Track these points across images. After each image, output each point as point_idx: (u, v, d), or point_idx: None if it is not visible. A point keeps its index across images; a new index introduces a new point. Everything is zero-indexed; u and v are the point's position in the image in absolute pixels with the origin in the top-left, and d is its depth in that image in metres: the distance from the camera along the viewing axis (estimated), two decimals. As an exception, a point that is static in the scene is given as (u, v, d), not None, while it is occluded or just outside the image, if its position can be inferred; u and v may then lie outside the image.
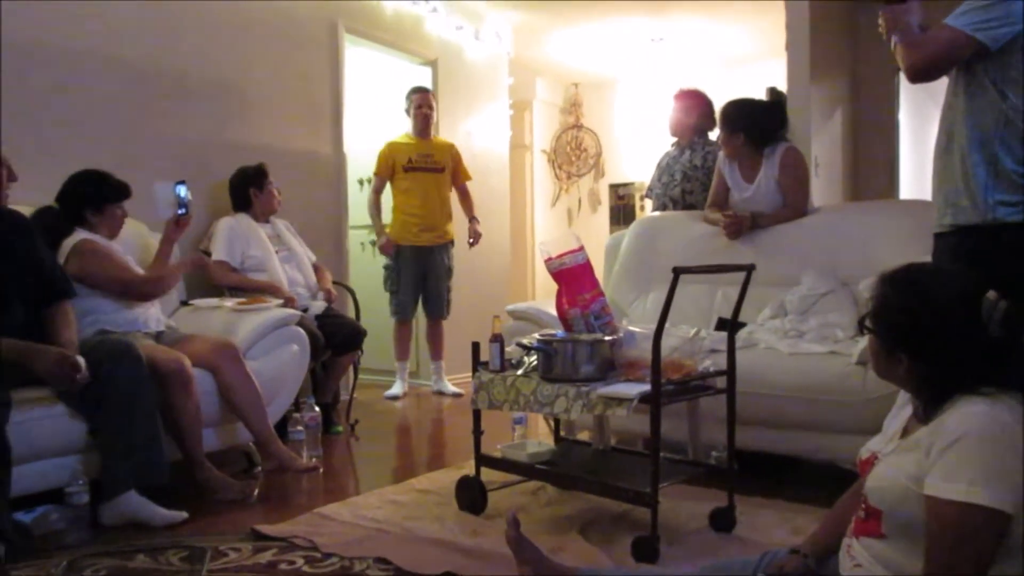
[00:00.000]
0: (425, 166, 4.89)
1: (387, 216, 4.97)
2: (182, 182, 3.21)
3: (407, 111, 4.94)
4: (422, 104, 4.87)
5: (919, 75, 2.11)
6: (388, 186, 4.93)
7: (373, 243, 5.58)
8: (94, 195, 2.99)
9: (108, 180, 3.03)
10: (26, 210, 2.75)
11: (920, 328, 1.36)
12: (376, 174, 4.89)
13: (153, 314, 3.05)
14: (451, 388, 4.99)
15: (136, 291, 2.99)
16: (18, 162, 2.55)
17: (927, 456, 1.29)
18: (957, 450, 1.26)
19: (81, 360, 2.41)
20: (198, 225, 3.71)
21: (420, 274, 4.88)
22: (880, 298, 1.42)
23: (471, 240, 5.05)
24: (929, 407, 1.38)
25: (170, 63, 3.82)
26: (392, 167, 4.85)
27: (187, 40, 3.90)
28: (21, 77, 3.23)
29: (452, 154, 5.01)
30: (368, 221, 5.06)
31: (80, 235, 2.93)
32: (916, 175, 5.36)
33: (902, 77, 5.13)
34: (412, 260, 4.85)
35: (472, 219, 5.08)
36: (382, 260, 4.95)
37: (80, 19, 3.46)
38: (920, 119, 5.49)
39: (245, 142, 4.15)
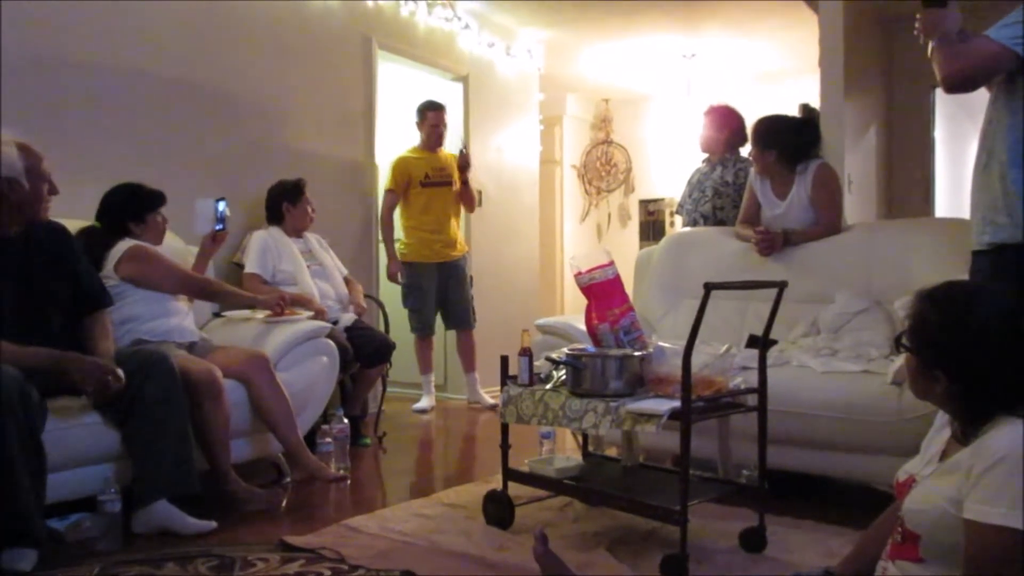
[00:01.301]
0: (441, 180, 4.87)
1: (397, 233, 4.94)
2: (222, 198, 3.29)
3: (418, 124, 4.91)
4: (438, 123, 4.85)
5: (955, 86, 2.08)
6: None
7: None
8: (134, 206, 3.05)
9: (143, 190, 3.09)
10: (67, 224, 2.79)
11: (959, 346, 1.33)
12: (390, 190, 4.82)
13: (187, 325, 3.09)
14: (489, 400, 4.92)
15: (195, 286, 3.09)
16: (58, 177, 2.60)
17: (967, 478, 1.26)
18: (997, 473, 1.23)
19: (120, 372, 2.45)
20: (232, 238, 3.77)
21: (442, 289, 4.88)
22: (918, 316, 1.40)
23: (464, 164, 4.84)
24: (968, 428, 1.35)
25: (206, 79, 3.88)
26: (408, 182, 4.83)
27: (223, 57, 3.97)
28: (59, 92, 3.31)
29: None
30: (399, 235, 5.07)
31: (130, 241, 2.99)
32: (952, 193, 5.29)
33: (938, 94, 5.13)
34: (435, 276, 4.85)
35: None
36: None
37: (119, 35, 3.52)
38: (956, 137, 5.41)
39: (279, 156, 4.20)
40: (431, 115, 4.85)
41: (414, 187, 4.83)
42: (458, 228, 4.99)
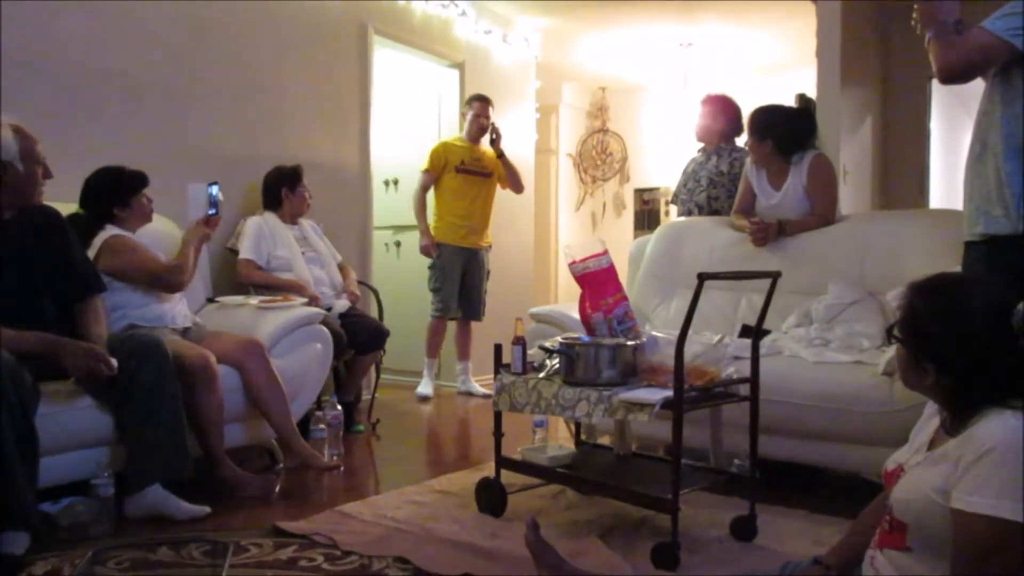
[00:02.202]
0: (476, 169, 4.95)
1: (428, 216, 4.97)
2: (215, 183, 3.27)
3: (463, 114, 5.03)
4: (481, 113, 4.94)
5: (951, 77, 2.08)
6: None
7: (398, 244, 5.62)
8: (118, 190, 3.02)
9: (125, 172, 3.06)
10: (59, 209, 2.78)
11: (949, 338, 1.34)
12: (427, 171, 4.91)
13: (180, 310, 3.09)
14: (480, 389, 4.99)
15: (164, 280, 3.03)
16: (51, 160, 2.58)
17: (955, 469, 1.27)
18: (985, 463, 1.24)
19: (113, 361, 2.44)
20: (226, 225, 3.75)
21: (462, 274, 4.94)
22: (909, 307, 1.40)
23: (496, 135, 4.93)
24: (957, 419, 1.36)
25: (202, 64, 3.86)
26: (444, 166, 4.89)
27: (219, 42, 3.95)
28: (53, 77, 3.29)
29: (496, 163, 5.06)
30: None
31: (110, 231, 2.98)
32: (947, 184, 5.29)
33: (934, 85, 5.13)
34: (458, 259, 4.91)
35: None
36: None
37: (111, 23, 3.50)
38: (952, 128, 5.41)
39: (275, 143, 4.18)
40: (476, 105, 4.95)
41: (449, 172, 4.90)
42: (487, 220, 5.04)
